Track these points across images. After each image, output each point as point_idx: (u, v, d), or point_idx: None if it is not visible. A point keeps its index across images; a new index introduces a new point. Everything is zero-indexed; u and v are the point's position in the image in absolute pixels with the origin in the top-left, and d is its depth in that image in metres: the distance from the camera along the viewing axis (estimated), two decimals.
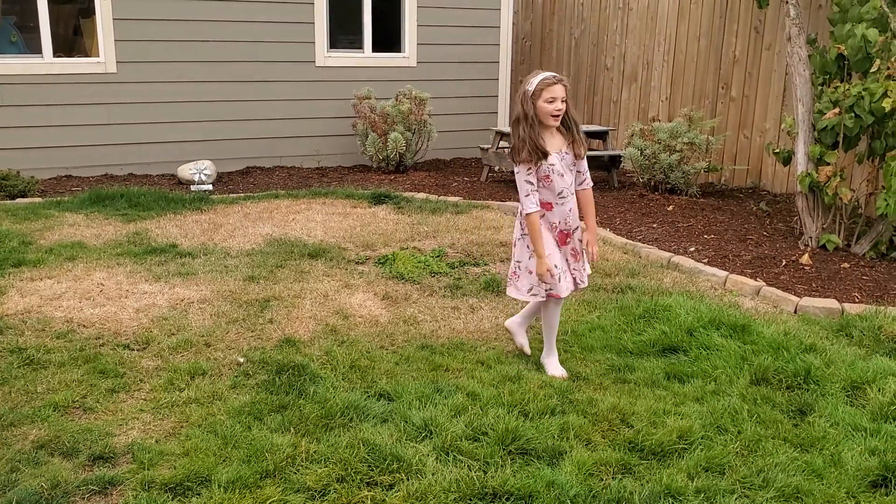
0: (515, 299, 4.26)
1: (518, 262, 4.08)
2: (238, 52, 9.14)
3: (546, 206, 3.97)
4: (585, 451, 3.30)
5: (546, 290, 4.00)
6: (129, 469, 3.11)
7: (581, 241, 4.09)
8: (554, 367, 4.13)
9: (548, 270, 3.89)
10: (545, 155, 3.86)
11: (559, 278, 3.96)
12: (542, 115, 3.85)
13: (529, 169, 3.88)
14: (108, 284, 5.17)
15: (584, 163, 4.08)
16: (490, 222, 7.10)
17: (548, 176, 3.92)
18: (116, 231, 6.46)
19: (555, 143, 3.94)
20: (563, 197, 3.97)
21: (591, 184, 4.16)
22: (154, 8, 8.64)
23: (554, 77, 3.84)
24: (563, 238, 4.04)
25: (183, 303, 4.90)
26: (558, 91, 3.83)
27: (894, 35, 5.90)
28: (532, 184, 3.89)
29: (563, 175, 3.95)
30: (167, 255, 5.83)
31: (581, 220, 4.09)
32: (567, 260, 4.06)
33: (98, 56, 8.58)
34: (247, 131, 9.41)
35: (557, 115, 3.86)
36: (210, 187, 8.35)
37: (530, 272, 4.01)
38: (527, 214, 3.91)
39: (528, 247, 4.00)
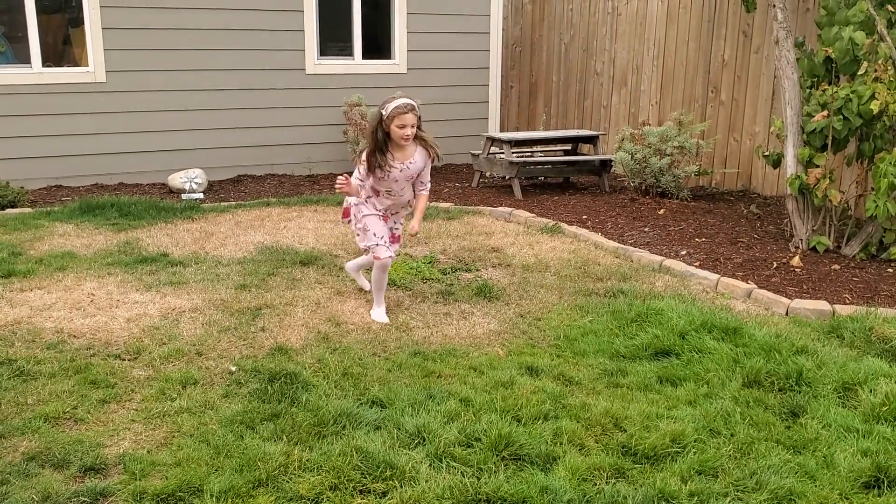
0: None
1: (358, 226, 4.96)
2: (228, 60, 9.13)
3: (374, 191, 4.82)
4: (579, 455, 3.30)
5: (370, 246, 4.84)
6: (120, 480, 3.09)
7: (400, 227, 5.05)
8: (378, 314, 4.90)
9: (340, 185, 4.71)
10: (381, 168, 4.65)
11: (383, 242, 4.81)
12: (394, 137, 4.59)
13: (366, 173, 4.73)
14: (99, 294, 5.15)
15: (427, 174, 4.88)
16: (482, 228, 7.10)
17: (383, 178, 4.73)
18: (107, 241, 6.44)
19: (402, 155, 4.72)
20: (390, 194, 4.82)
21: (427, 192, 4.95)
22: (143, 17, 8.62)
23: (406, 106, 4.52)
24: (384, 218, 4.91)
25: (174, 312, 4.88)
26: (409, 119, 4.54)
27: (881, 38, 5.93)
28: (361, 181, 4.77)
29: (397, 181, 4.75)
30: (158, 265, 5.81)
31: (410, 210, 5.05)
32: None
33: (87, 65, 8.56)
34: (237, 139, 9.40)
35: (406, 139, 4.59)
36: (201, 196, 8.33)
37: (365, 231, 4.88)
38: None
39: (360, 212, 4.87)
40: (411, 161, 4.73)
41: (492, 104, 10.93)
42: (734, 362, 4.17)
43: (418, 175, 4.84)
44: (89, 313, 4.83)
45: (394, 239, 4.98)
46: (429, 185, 4.94)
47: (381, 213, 4.87)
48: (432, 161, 4.84)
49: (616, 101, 10.45)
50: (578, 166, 9.18)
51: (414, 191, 4.93)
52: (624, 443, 3.40)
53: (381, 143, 4.62)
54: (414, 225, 4.86)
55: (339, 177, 4.68)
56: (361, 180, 4.77)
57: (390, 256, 4.82)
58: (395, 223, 5.01)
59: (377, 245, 4.79)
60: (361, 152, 4.76)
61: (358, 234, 4.93)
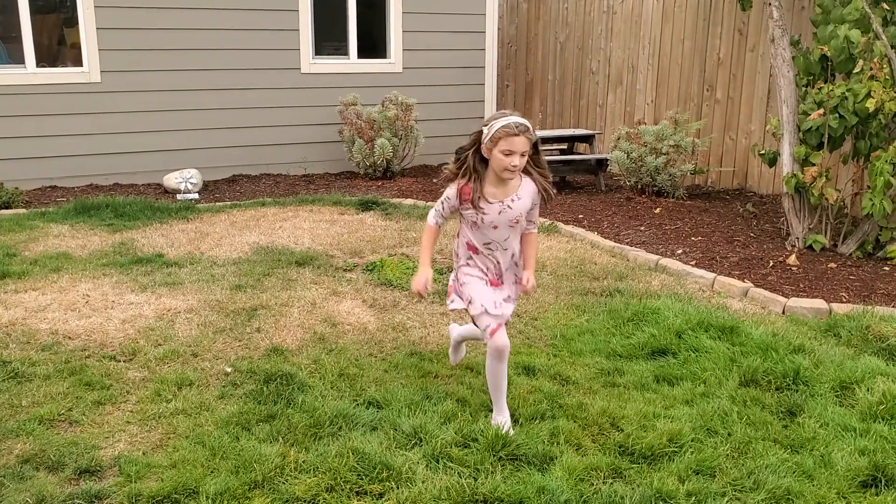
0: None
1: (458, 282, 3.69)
2: (223, 59, 9.11)
3: (472, 248, 3.62)
4: (576, 455, 3.29)
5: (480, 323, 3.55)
6: (115, 482, 3.08)
7: (515, 284, 3.67)
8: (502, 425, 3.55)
9: (418, 291, 3.53)
10: (473, 206, 3.47)
11: (492, 311, 3.50)
12: (496, 166, 3.41)
13: (451, 208, 3.56)
14: (94, 295, 5.13)
15: (535, 213, 3.63)
16: None
17: (475, 223, 3.53)
18: (102, 241, 6.42)
19: (500, 193, 3.49)
20: (491, 249, 3.59)
21: (536, 231, 3.70)
22: (138, 17, 8.60)
23: (517, 126, 3.33)
24: (494, 283, 3.63)
25: (169, 313, 4.86)
26: (518, 144, 3.34)
27: (876, 36, 5.93)
28: (444, 211, 3.59)
29: (496, 227, 3.52)
30: (153, 265, 5.79)
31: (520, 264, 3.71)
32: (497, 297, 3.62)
33: (82, 66, 8.53)
34: (233, 139, 9.37)
35: (512, 171, 3.40)
36: (196, 196, 8.31)
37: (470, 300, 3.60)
38: (427, 223, 3.64)
39: (462, 273, 3.65)
40: (514, 198, 3.51)
41: (488, 103, 10.92)
42: (731, 361, 4.17)
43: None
44: (84, 314, 4.81)
45: (506, 300, 3.66)
46: (537, 224, 3.71)
47: (487, 277, 3.62)
48: (543, 200, 3.60)
49: (612, 99, 10.44)
50: (574, 165, 9.17)
51: (522, 234, 3.68)
52: (621, 442, 3.39)
53: (472, 170, 3.46)
54: (527, 277, 3.63)
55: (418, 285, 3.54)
56: (443, 216, 3.61)
57: (502, 327, 3.50)
58: (512, 287, 3.71)
59: (483, 315, 3.50)
60: (446, 179, 3.58)
61: (470, 305, 3.62)
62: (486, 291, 3.56)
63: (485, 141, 3.41)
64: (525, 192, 3.54)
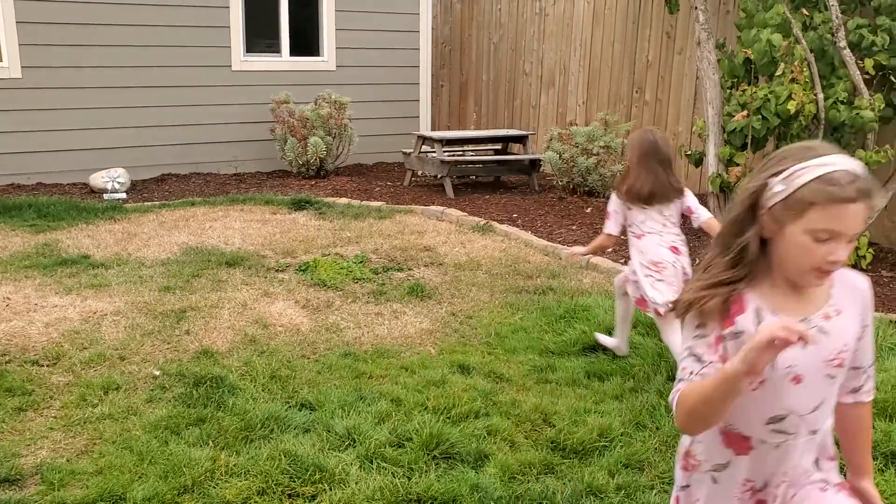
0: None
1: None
2: (151, 56, 8.91)
3: (733, 439, 1.80)
4: (509, 452, 3.32)
5: None
6: (37, 491, 2.98)
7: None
8: None
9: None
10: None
11: None
12: (793, 258, 1.69)
13: (705, 336, 1.74)
14: (15, 298, 4.96)
15: (871, 348, 1.87)
16: (414, 227, 7.09)
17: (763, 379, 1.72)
18: (24, 243, 6.21)
19: (792, 304, 1.74)
20: (784, 430, 1.77)
21: (872, 395, 1.91)
22: (61, 11, 8.34)
23: (852, 181, 1.61)
24: None
25: (95, 315, 4.74)
26: (852, 218, 1.63)
27: (797, 40, 6.13)
28: (702, 367, 1.71)
29: (799, 379, 1.73)
30: (79, 267, 5.63)
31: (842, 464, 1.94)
32: None
33: (1, 61, 8.24)
34: (161, 137, 9.17)
35: (826, 273, 1.69)
36: (124, 195, 8.10)
37: None
38: (679, 400, 1.72)
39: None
40: (830, 312, 1.76)
41: (422, 103, 10.93)
42: (659, 357, 4.26)
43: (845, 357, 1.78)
44: (4, 318, 4.64)
45: None
46: (871, 383, 1.90)
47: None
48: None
49: (544, 101, 10.56)
50: (508, 165, 9.25)
51: (841, 402, 1.88)
52: (553, 438, 3.44)
53: (744, 261, 1.71)
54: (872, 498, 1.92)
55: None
56: (702, 361, 1.72)
57: None
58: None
59: None
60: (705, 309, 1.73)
61: None
62: None
63: (771, 203, 1.68)
64: (846, 297, 1.80)
